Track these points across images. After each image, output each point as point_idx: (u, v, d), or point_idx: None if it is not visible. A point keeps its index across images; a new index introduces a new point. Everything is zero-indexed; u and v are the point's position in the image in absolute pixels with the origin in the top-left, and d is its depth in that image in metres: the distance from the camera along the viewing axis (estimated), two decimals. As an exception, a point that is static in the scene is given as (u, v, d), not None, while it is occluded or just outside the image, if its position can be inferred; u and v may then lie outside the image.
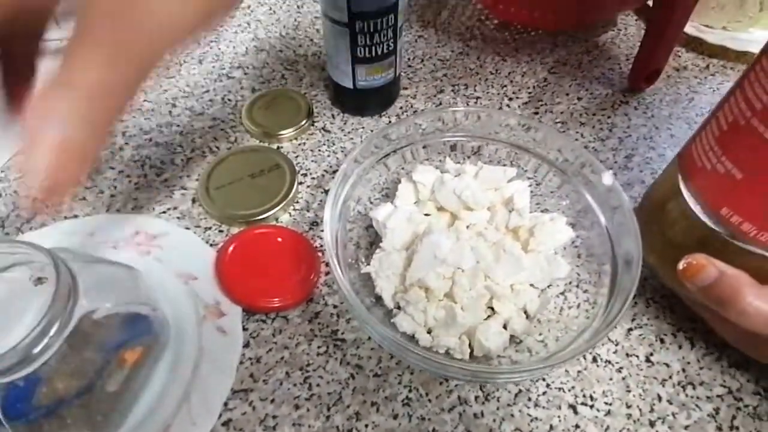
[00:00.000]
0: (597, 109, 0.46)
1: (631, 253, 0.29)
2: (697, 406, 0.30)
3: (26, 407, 0.23)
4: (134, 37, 0.20)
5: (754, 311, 0.24)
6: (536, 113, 0.45)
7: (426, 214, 0.35)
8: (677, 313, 0.33)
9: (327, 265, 0.35)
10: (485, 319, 0.31)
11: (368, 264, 0.33)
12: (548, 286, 0.33)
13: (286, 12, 0.55)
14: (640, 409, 0.30)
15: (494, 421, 0.29)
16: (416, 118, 0.36)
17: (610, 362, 0.31)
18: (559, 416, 0.30)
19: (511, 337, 0.31)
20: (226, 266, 0.34)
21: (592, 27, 0.53)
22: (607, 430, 0.29)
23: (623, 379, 0.31)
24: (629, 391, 0.30)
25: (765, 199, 0.25)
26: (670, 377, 0.31)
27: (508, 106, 0.46)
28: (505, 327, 0.31)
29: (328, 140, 0.43)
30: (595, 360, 0.32)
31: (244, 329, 0.32)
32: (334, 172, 0.41)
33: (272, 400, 0.30)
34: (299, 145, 0.43)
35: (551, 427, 0.29)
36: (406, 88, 0.47)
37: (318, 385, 0.30)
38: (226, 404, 0.29)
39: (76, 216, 0.38)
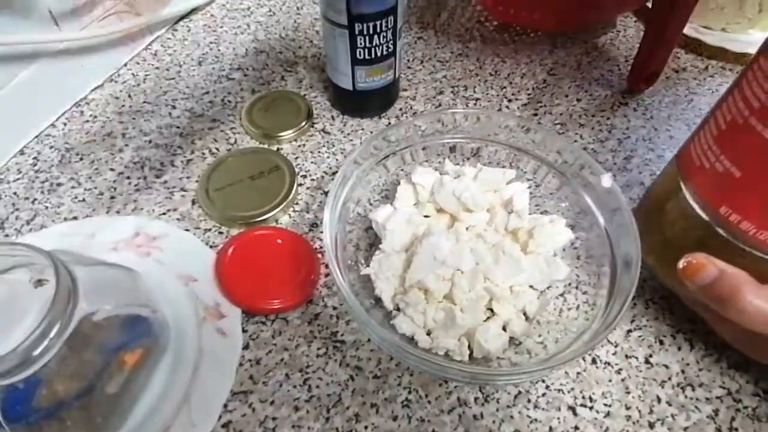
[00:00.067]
0: (596, 111, 0.46)
1: (631, 255, 0.29)
2: (696, 407, 0.30)
3: (26, 409, 0.23)
4: None
5: (754, 310, 0.24)
6: (535, 115, 0.45)
7: (425, 216, 0.35)
8: (676, 315, 0.33)
9: (326, 266, 0.35)
10: (485, 321, 0.31)
11: (368, 266, 0.33)
12: (547, 288, 0.33)
13: (285, 14, 0.55)
14: (639, 411, 0.30)
15: (494, 422, 0.29)
16: (416, 119, 0.36)
17: (609, 364, 0.32)
18: (558, 418, 0.30)
19: (511, 338, 0.31)
20: (225, 268, 0.34)
21: (591, 29, 0.53)
22: (607, 431, 0.29)
23: (622, 380, 0.31)
24: (628, 393, 0.30)
25: (763, 197, 0.25)
26: (670, 379, 0.31)
27: (507, 107, 0.46)
28: (504, 329, 0.31)
29: (327, 142, 0.43)
30: (594, 361, 0.32)
31: (244, 331, 0.32)
32: (334, 173, 0.41)
33: (272, 402, 0.30)
34: (299, 146, 0.43)
35: (551, 428, 0.29)
36: (405, 90, 0.47)
37: (317, 386, 0.30)
38: (225, 406, 0.30)
39: (75, 218, 0.38)
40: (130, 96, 0.47)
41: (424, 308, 0.31)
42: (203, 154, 0.42)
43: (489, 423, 0.29)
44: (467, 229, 0.34)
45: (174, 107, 0.46)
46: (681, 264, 0.26)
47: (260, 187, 0.39)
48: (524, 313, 0.32)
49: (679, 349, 0.32)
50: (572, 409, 0.30)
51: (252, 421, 0.29)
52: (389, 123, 0.45)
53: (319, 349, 0.32)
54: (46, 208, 0.39)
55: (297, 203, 0.39)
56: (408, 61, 0.50)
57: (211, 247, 0.36)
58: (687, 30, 0.47)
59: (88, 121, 0.45)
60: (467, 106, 0.46)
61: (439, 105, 0.46)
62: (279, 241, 0.36)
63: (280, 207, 0.38)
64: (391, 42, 0.39)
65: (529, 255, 0.33)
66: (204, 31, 0.53)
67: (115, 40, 0.47)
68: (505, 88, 0.48)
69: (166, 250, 0.35)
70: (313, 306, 0.34)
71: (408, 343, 0.30)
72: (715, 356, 0.32)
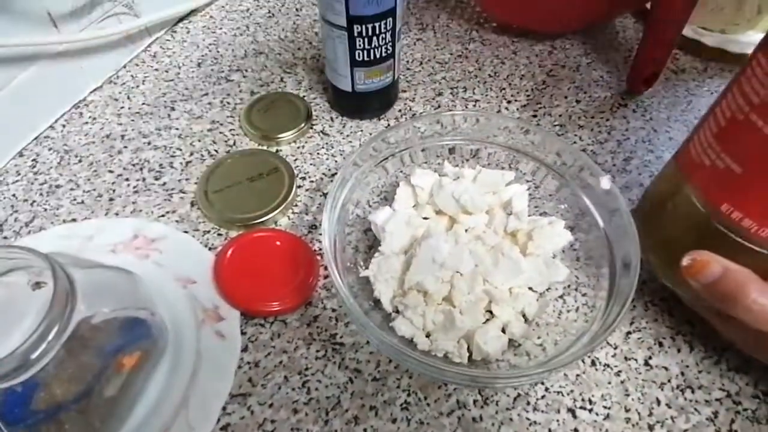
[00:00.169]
0: (595, 112, 0.46)
1: (630, 256, 0.29)
2: (695, 409, 0.30)
3: (24, 412, 0.23)
4: None
5: (760, 308, 0.24)
6: (534, 116, 0.45)
7: (424, 218, 0.35)
8: (676, 317, 0.33)
9: (325, 268, 0.35)
10: (484, 323, 0.31)
11: (367, 268, 0.33)
12: (547, 290, 0.33)
13: (284, 15, 0.55)
14: (638, 413, 0.30)
15: (493, 425, 0.29)
16: (415, 121, 0.36)
17: (608, 366, 0.31)
18: (557, 420, 0.30)
19: (510, 340, 0.31)
20: (224, 270, 0.34)
21: (590, 30, 0.53)
22: (606, 433, 0.29)
23: (622, 382, 0.31)
24: (628, 395, 0.30)
25: (765, 194, 0.25)
26: (669, 381, 0.31)
27: (506, 108, 0.46)
28: (503, 331, 0.31)
29: (326, 143, 0.43)
30: (593, 363, 0.32)
31: (243, 333, 0.32)
32: (333, 175, 0.41)
33: (271, 405, 0.30)
34: (298, 148, 0.43)
35: (550, 431, 0.29)
36: (404, 91, 0.47)
37: (316, 389, 0.30)
38: (224, 409, 0.29)
39: (74, 220, 0.38)
40: (129, 98, 0.47)
41: (423, 310, 0.30)
42: (202, 155, 0.42)
43: (488, 425, 0.29)
44: (466, 231, 0.34)
45: (173, 109, 0.46)
46: (685, 261, 0.26)
47: (259, 189, 0.39)
48: (523, 315, 0.32)
49: (679, 351, 0.32)
50: (572, 411, 0.30)
51: (251, 424, 0.29)
52: (388, 125, 0.45)
53: (318, 351, 0.32)
54: (45, 210, 0.39)
55: (296, 205, 0.39)
56: (407, 62, 0.50)
57: (209, 249, 0.36)
58: (686, 31, 0.47)
59: (87, 122, 0.45)
60: (466, 107, 0.46)
61: (439, 106, 0.46)
62: (278, 243, 0.36)
63: (279, 209, 0.37)
64: (390, 44, 0.39)
65: (529, 257, 0.32)
66: (203, 33, 0.53)
67: (114, 42, 0.47)
68: (504, 89, 0.48)
69: (165, 252, 0.35)
70: (312, 308, 0.34)
71: (407, 345, 0.30)
72: (715, 358, 0.32)
